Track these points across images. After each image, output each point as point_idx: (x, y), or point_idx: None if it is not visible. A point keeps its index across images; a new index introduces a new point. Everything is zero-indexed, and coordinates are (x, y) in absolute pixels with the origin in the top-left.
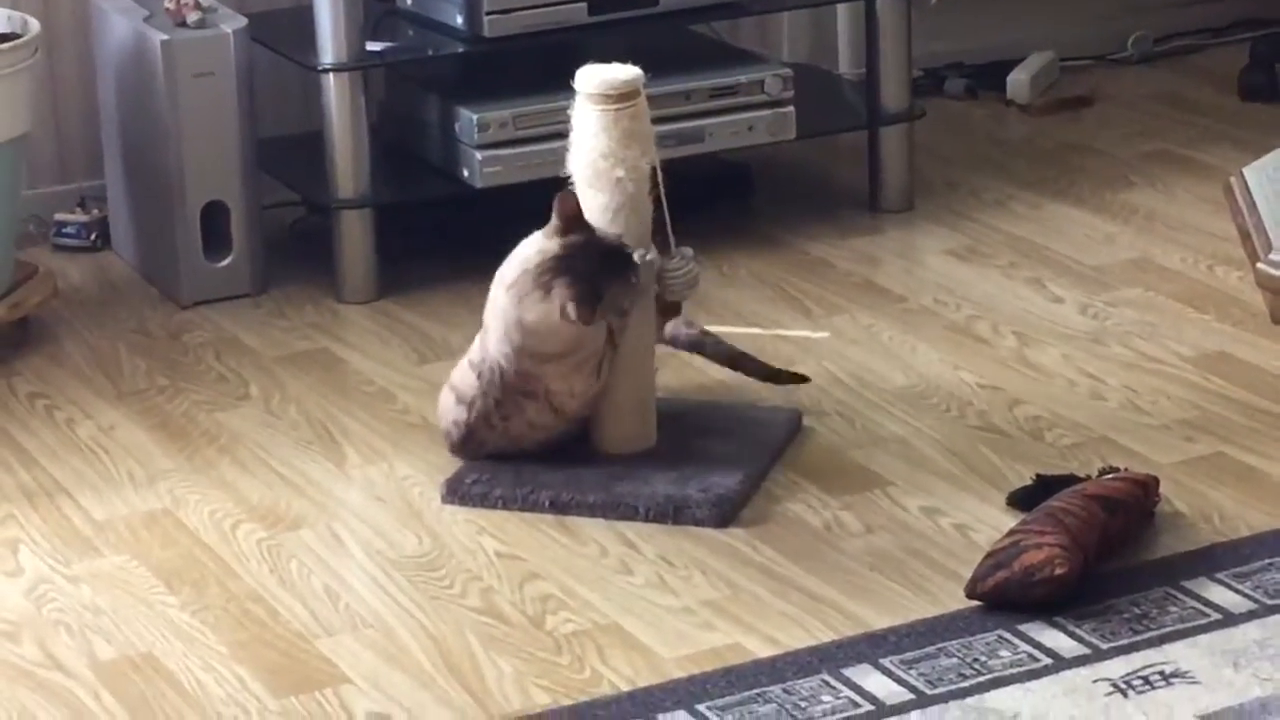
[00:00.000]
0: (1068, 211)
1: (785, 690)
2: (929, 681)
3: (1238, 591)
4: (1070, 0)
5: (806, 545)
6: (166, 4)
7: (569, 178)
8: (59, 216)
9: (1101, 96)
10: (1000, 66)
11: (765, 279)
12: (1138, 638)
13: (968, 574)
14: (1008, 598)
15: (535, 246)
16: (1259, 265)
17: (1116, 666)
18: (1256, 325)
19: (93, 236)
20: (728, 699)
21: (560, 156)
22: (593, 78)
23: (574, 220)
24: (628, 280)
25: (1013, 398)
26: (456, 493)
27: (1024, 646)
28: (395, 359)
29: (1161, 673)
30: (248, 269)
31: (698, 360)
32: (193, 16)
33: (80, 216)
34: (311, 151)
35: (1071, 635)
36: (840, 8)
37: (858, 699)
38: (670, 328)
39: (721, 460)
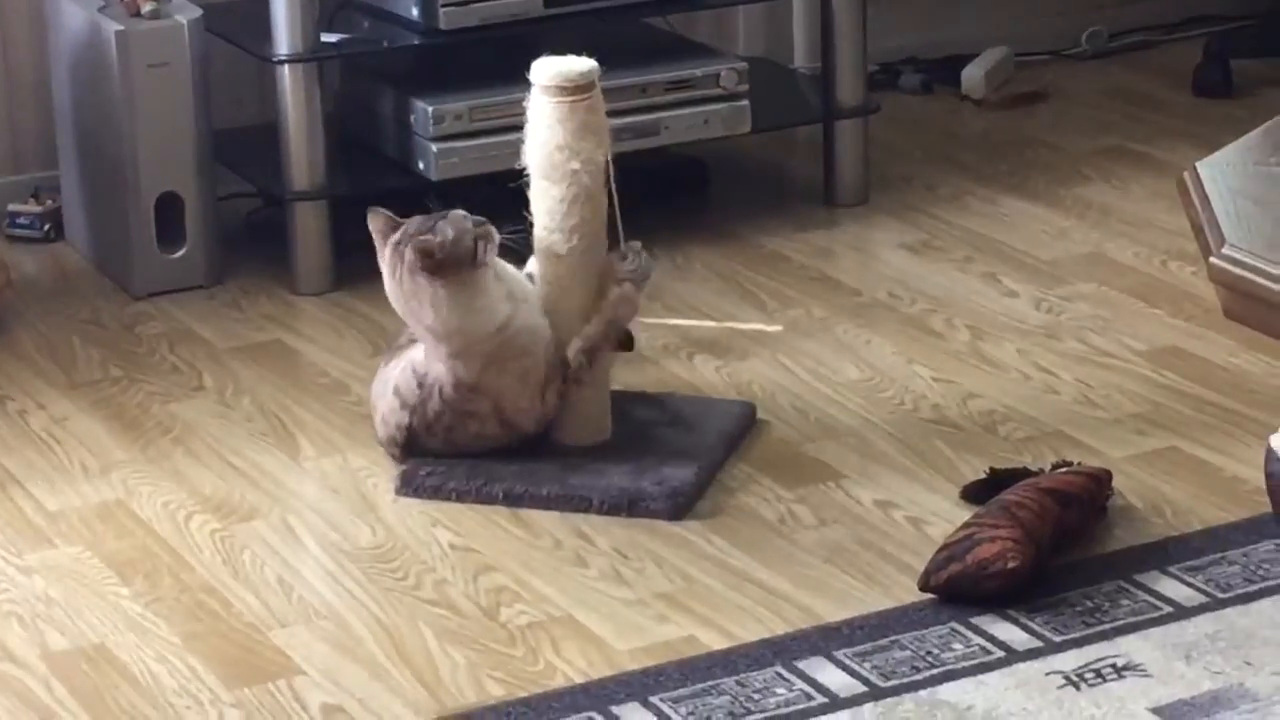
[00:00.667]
0: (1022, 206)
1: (739, 683)
2: (882, 674)
3: (1190, 585)
4: None
5: (760, 538)
6: None
7: (524, 170)
8: (12, 207)
9: (1056, 92)
10: (955, 61)
11: (720, 272)
12: (1090, 630)
13: (921, 567)
14: (961, 591)
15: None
16: (1212, 260)
17: (1069, 659)
18: (1209, 320)
19: (46, 227)
20: (681, 691)
21: (516, 149)
22: (548, 70)
23: (390, 223)
24: (461, 220)
25: (967, 391)
26: (411, 485)
27: (977, 639)
28: (350, 351)
29: (1114, 665)
30: (202, 260)
31: (654, 353)
32: (147, 7)
33: (34, 207)
34: (267, 143)
35: (1024, 628)
36: (796, 1)
37: (811, 691)
38: None
39: (676, 453)
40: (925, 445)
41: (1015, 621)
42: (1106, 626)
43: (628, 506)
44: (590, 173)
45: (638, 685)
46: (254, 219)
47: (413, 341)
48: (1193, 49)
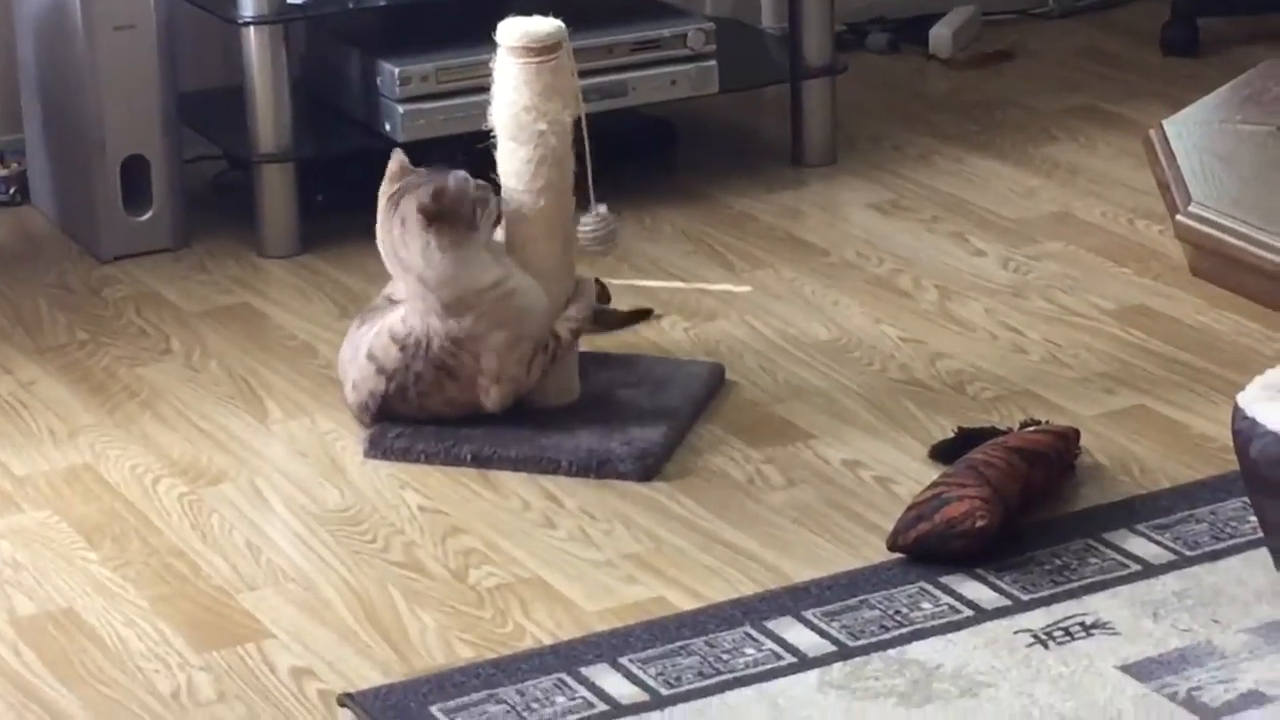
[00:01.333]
0: (990, 165)
1: (708, 643)
2: (851, 634)
3: (1157, 543)
4: None
5: (729, 498)
6: None
7: (491, 131)
8: None
9: (1023, 51)
10: (922, 21)
11: (688, 233)
12: (1058, 589)
13: (889, 526)
14: (929, 550)
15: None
16: (1178, 218)
17: (1037, 618)
18: (1176, 278)
19: (11, 191)
20: (650, 652)
21: (482, 110)
22: (514, 31)
23: (405, 170)
24: (463, 180)
25: (935, 351)
26: (379, 447)
27: (945, 598)
28: (317, 313)
29: (1082, 624)
30: (168, 223)
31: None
32: None
33: None
34: (233, 105)
35: (992, 587)
36: None
37: (780, 651)
38: None
39: (644, 414)
40: (893, 405)
41: (984, 580)
42: (1075, 585)
43: (596, 468)
44: (557, 134)
45: (607, 646)
46: (220, 181)
47: (391, 303)
48: (1160, 7)
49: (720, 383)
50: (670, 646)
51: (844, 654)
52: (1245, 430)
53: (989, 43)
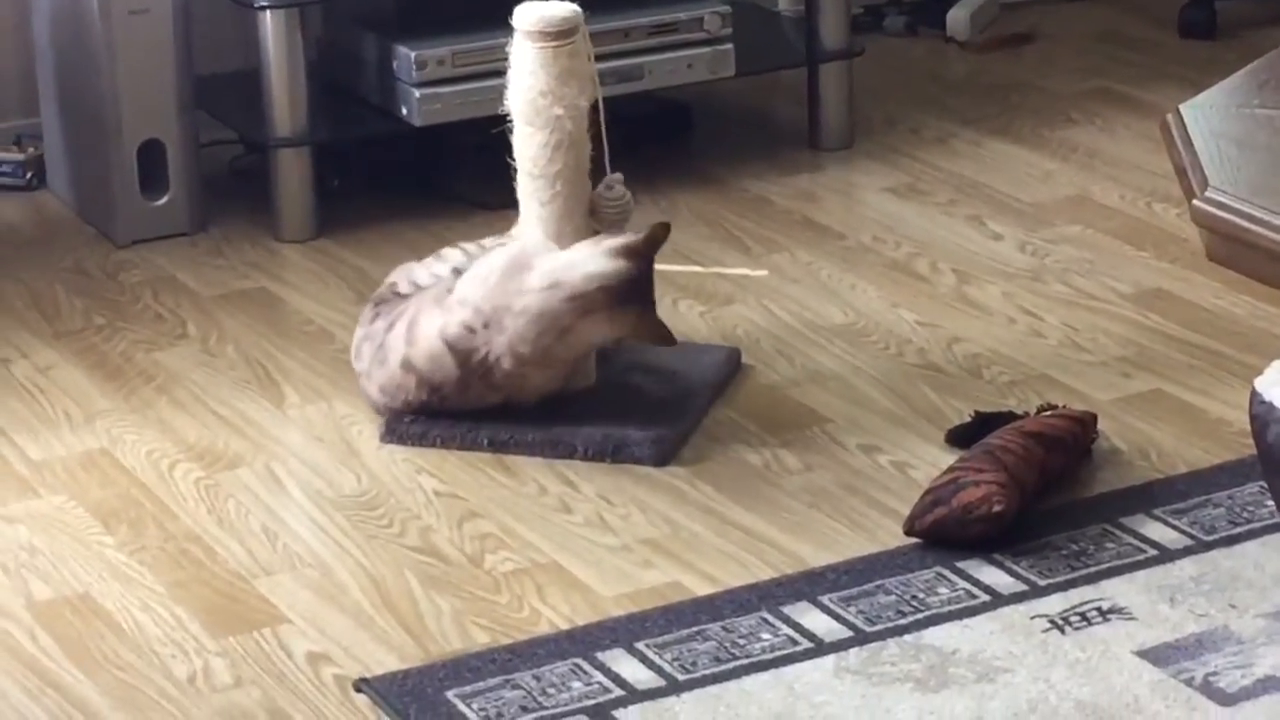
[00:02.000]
0: (1007, 149)
1: (724, 628)
2: (868, 619)
3: (1175, 528)
4: None
5: (745, 483)
6: None
7: (507, 115)
8: None
9: (1041, 34)
10: (940, 3)
11: (705, 217)
12: (1075, 574)
13: (906, 511)
14: (946, 535)
15: (604, 263)
16: (1195, 202)
17: (1054, 603)
18: (1194, 262)
19: (28, 175)
20: (667, 637)
21: (499, 94)
22: (531, 15)
23: (655, 247)
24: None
25: (952, 335)
26: (395, 432)
27: (962, 583)
28: (333, 298)
29: (1099, 609)
30: (185, 208)
31: None
32: None
33: (15, 155)
34: (249, 89)
35: (1009, 572)
36: None
37: (796, 636)
38: None
39: (661, 399)
40: (910, 389)
41: (1000, 565)
42: (1091, 570)
43: (612, 453)
44: (573, 118)
45: (623, 631)
46: (237, 166)
47: (398, 296)
48: None
49: (737, 367)
50: (686, 632)
51: (860, 639)
52: (1262, 414)
53: (1006, 25)
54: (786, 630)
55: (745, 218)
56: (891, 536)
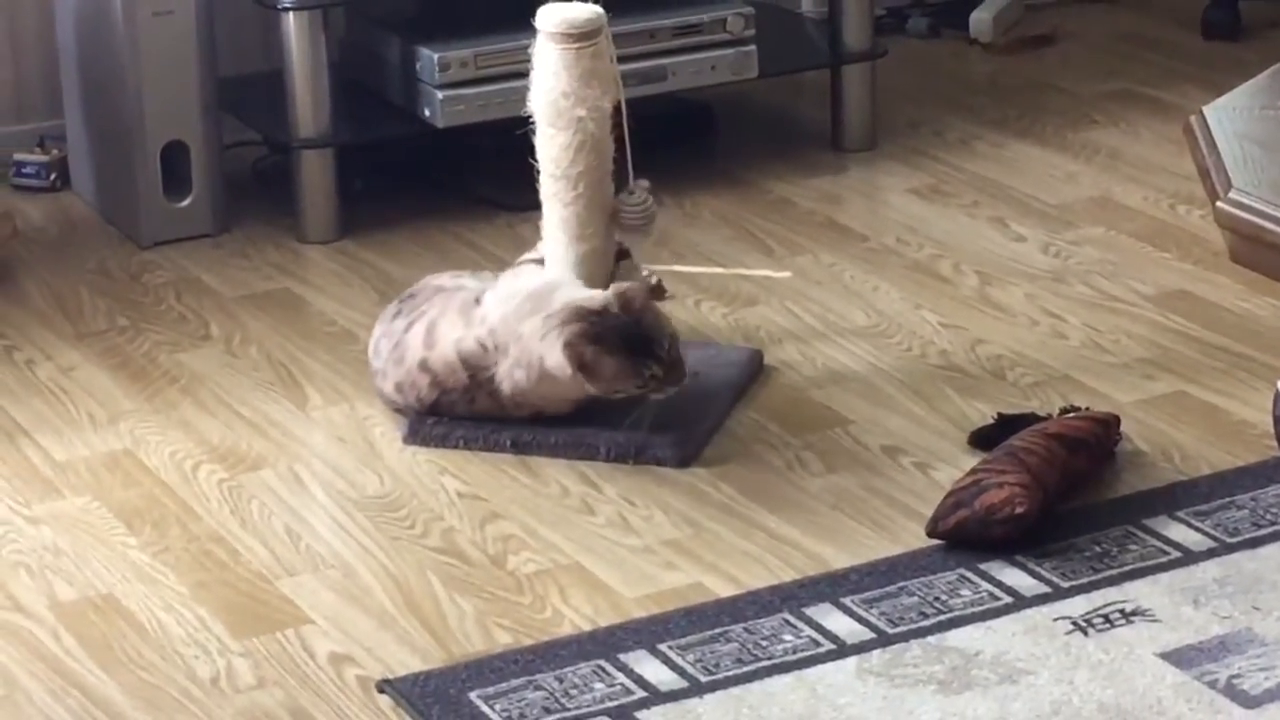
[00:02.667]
0: (1030, 150)
1: (747, 629)
2: (890, 620)
3: (1198, 530)
4: None
5: (768, 484)
6: None
7: (530, 117)
8: (18, 156)
9: (1064, 35)
10: (963, 5)
11: (727, 218)
12: (1098, 576)
13: (929, 513)
14: (968, 536)
15: (589, 298)
16: (1219, 204)
17: (1077, 605)
18: (1217, 264)
19: (52, 177)
20: (689, 638)
21: (521, 95)
22: (554, 16)
23: (638, 306)
24: (640, 370)
25: (975, 337)
26: (418, 433)
27: (985, 585)
28: (357, 299)
29: (1122, 611)
30: (208, 209)
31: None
32: None
33: (40, 156)
34: (272, 91)
35: (1032, 574)
36: None
37: (819, 638)
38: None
39: (683, 400)
40: (933, 391)
41: (1023, 567)
42: (1114, 572)
43: (635, 454)
44: (596, 120)
45: (645, 633)
46: (260, 167)
47: (438, 289)
48: None
49: (759, 368)
50: (709, 633)
51: (883, 641)
52: None
53: (1029, 27)
54: (809, 632)
55: (768, 219)
56: (914, 538)
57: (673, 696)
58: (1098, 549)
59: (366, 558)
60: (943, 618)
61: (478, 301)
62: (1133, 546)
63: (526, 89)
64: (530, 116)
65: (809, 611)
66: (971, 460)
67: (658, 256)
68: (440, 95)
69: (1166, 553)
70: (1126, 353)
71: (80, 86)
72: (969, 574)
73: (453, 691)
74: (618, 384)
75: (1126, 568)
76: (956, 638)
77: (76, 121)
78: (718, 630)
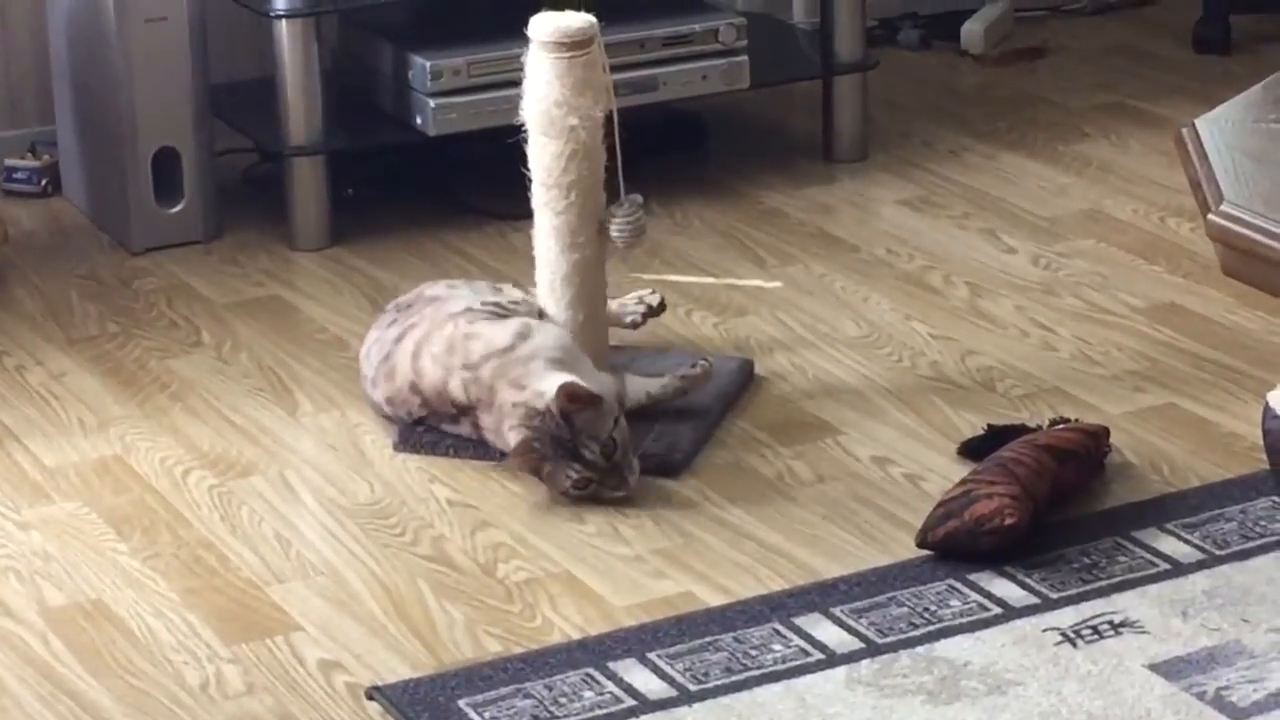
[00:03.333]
0: (1021, 162)
1: (736, 639)
2: (879, 630)
3: (1187, 542)
4: None
5: (758, 494)
6: None
7: (522, 125)
8: (9, 162)
9: (1055, 48)
10: (955, 17)
11: (718, 228)
12: (1087, 587)
13: (918, 523)
14: (958, 547)
15: (539, 395)
16: (1210, 216)
17: (1066, 616)
18: (1207, 276)
19: (43, 182)
20: (679, 647)
21: (514, 104)
22: (546, 25)
23: (571, 414)
24: (570, 474)
25: (965, 348)
26: (409, 441)
27: (974, 596)
28: (347, 306)
29: (1110, 622)
30: (199, 215)
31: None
32: None
33: (31, 162)
34: (264, 98)
35: (1021, 585)
36: None
37: (808, 648)
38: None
39: (674, 409)
40: (923, 402)
41: (1012, 578)
42: (1103, 583)
43: None
44: (588, 129)
45: (635, 641)
46: (251, 174)
47: (426, 300)
48: (1192, 5)
49: (750, 379)
50: (698, 642)
51: (872, 651)
52: (1275, 429)
53: (1021, 39)
54: (798, 641)
55: (759, 229)
56: (903, 548)
57: (662, 705)
58: (1087, 560)
59: (356, 565)
60: (932, 628)
61: (466, 336)
62: (1122, 558)
63: (518, 97)
64: (522, 125)
65: (798, 621)
66: (961, 471)
67: (648, 266)
68: (432, 103)
69: (1155, 564)
70: (1116, 365)
71: (72, 92)
72: (958, 584)
73: (442, 699)
74: (556, 488)
75: (1115, 579)
76: (945, 648)
77: (68, 127)
78: (707, 639)
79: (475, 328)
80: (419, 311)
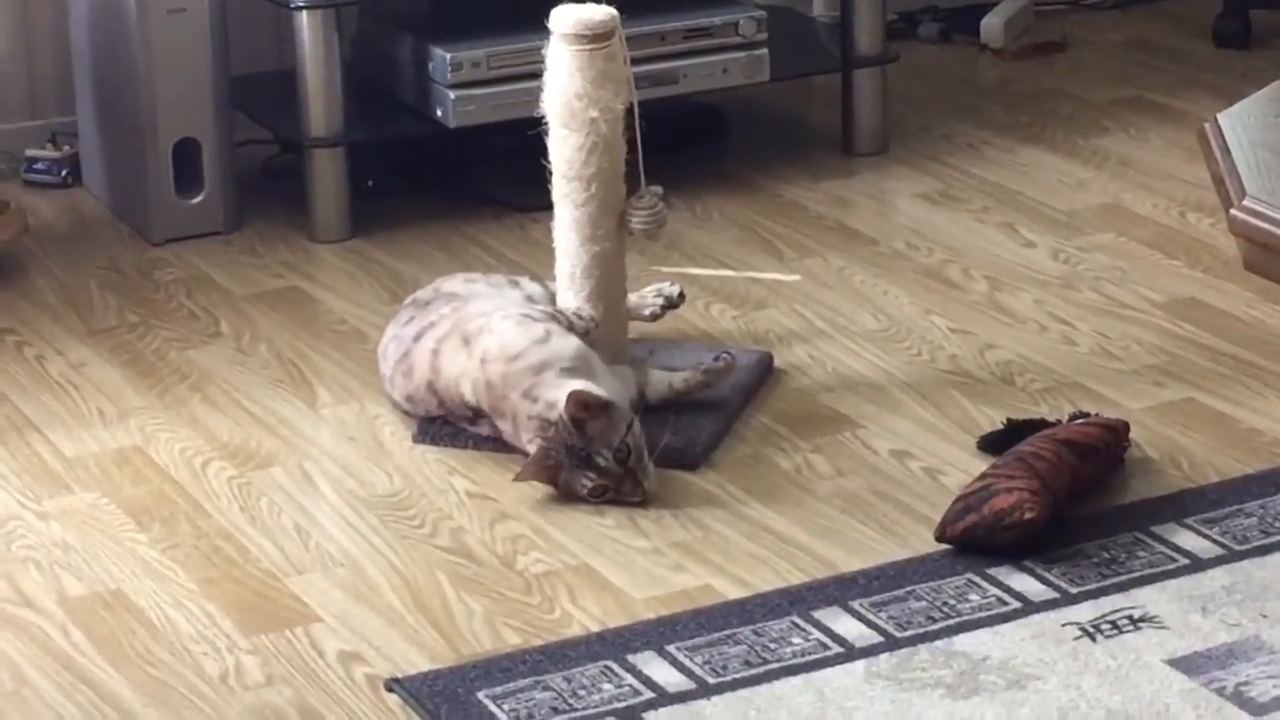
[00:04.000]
0: (1040, 156)
1: (755, 632)
2: (898, 624)
3: (1206, 537)
4: None
5: (777, 488)
6: None
7: (543, 117)
8: (30, 152)
9: (1075, 42)
10: (974, 10)
11: (737, 221)
12: (1106, 582)
13: (937, 517)
14: (977, 541)
15: (553, 405)
16: (1232, 211)
17: (1085, 611)
18: (1227, 271)
19: (64, 173)
20: (697, 640)
21: (534, 96)
22: (567, 17)
23: (582, 421)
24: (584, 483)
25: (984, 342)
26: (428, 433)
27: (993, 590)
28: (366, 298)
29: (1130, 617)
30: (219, 206)
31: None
32: None
33: (51, 153)
34: (284, 89)
35: (1040, 579)
36: None
37: (827, 641)
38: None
39: (693, 403)
40: (942, 396)
41: (1031, 573)
42: (1123, 578)
43: None
44: (608, 121)
45: (654, 634)
46: (271, 165)
47: (441, 296)
48: None
49: (769, 372)
50: (717, 635)
51: (891, 645)
52: None
53: (1040, 33)
54: (817, 635)
55: (778, 222)
56: (923, 542)
57: (680, 698)
58: (1106, 555)
59: (375, 556)
60: (951, 622)
61: (481, 329)
62: (1141, 553)
63: (539, 90)
64: (542, 117)
65: (817, 614)
66: (980, 465)
67: (667, 258)
68: (452, 95)
69: (1175, 560)
70: (1136, 359)
71: (92, 83)
72: (977, 579)
73: (461, 691)
74: (571, 496)
75: (1135, 574)
76: (964, 642)
77: (88, 118)
78: (726, 632)
79: (493, 330)
80: (437, 310)
